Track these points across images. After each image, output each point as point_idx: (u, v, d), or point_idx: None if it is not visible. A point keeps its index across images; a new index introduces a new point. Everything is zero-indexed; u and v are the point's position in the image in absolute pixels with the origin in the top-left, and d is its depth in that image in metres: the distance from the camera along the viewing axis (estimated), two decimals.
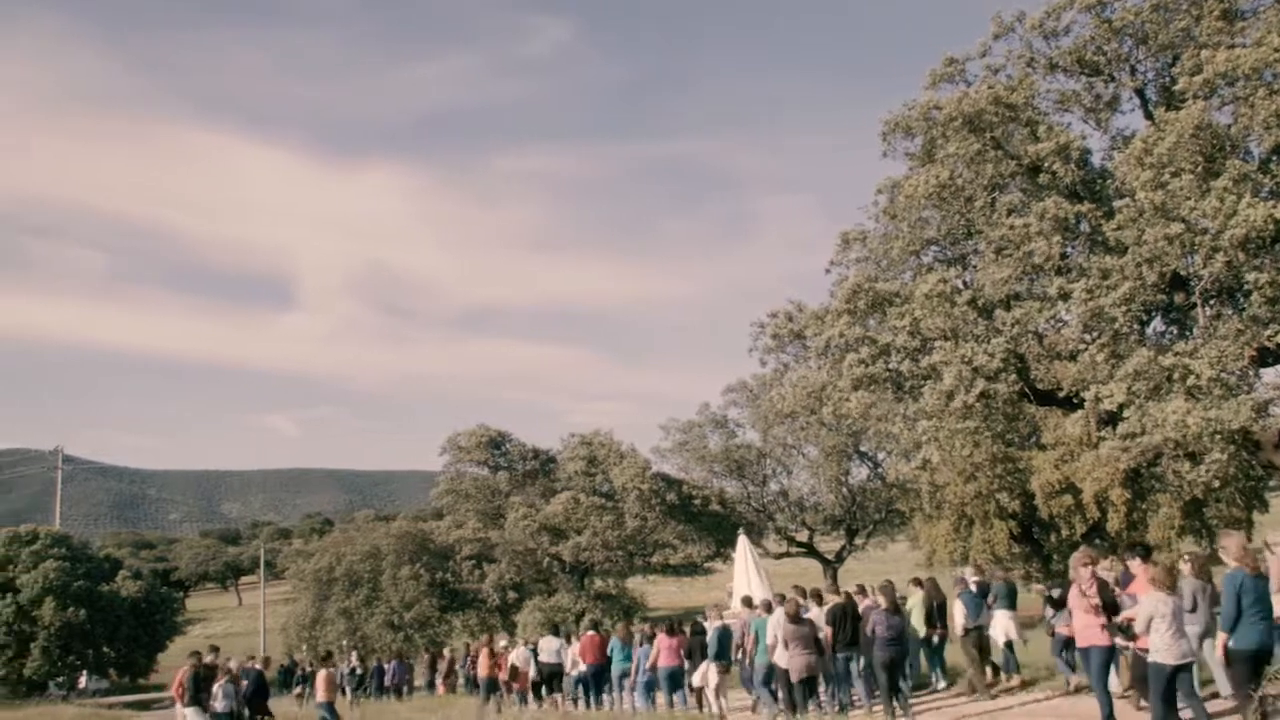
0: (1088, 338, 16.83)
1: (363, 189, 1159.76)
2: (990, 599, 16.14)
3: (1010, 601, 16.17)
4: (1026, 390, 18.34)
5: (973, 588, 16.41)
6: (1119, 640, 10.87)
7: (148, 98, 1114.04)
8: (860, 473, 49.12)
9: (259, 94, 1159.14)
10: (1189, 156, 15.61)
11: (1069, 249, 18.33)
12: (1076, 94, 19.87)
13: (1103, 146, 20.11)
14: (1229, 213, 14.80)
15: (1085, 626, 11.36)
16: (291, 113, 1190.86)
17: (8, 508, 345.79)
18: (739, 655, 17.18)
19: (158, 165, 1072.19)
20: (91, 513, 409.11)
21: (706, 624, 18.70)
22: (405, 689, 31.78)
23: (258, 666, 23.05)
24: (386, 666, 33.39)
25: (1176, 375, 15.28)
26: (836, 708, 15.51)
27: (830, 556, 50.21)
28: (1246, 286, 15.83)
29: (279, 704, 24.00)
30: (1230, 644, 9.67)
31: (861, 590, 17.04)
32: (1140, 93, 19.42)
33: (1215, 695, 11.91)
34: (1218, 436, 14.89)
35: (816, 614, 15.80)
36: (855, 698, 16.18)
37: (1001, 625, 15.84)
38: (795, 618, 14.53)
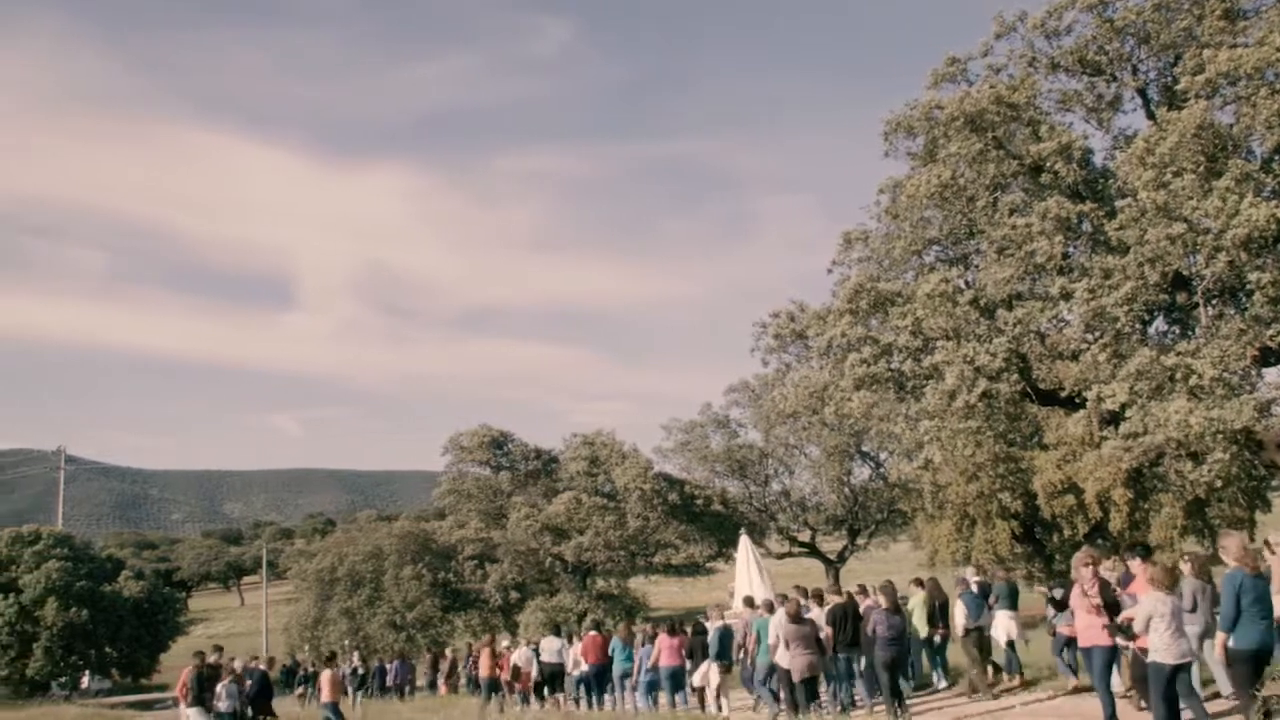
0: (1090, 337, 16.82)
1: (363, 189, 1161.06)
2: (992, 599, 16.13)
3: (1012, 602, 16.15)
4: (1028, 390, 18.33)
5: (974, 588, 16.40)
6: (1119, 640, 10.87)
7: (148, 98, 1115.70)
8: (862, 473, 49.14)
9: (260, 94, 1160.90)
10: (1191, 156, 15.60)
11: (1071, 249, 18.32)
12: (1078, 93, 19.86)
13: (1105, 146, 20.12)
14: (1231, 212, 14.79)
15: (1087, 627, 11.35)
16: (292, 113, 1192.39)
17: (10, 508, 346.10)
18: (740, 655, 17.18)
19: (159, 165, 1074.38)
20: (94, 513, 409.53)
21: (708, 624, 18.70)
22: (407, 689, 31.78)
23: (262, 667, 23.06)
24: (388, 667, 33.39)
25: (1179, 375, 15.27)
26: (838, 708, 15.51)
27: (832, 556, 50.19)
28: (1249, 286, 15.82)
29: (281, 704, 24.01)
30: (1230, 644, 9.66)
31: (862, 590, 17.04)
32: (1142, 92, 19.41)
33: (1216, 695, 11.91)
34: (1220, 436, 14.88)
35: (817, 614, 15.80)
36: (857, 697, 16.18)
37: (1003, 625, 15.83)
38: (796, 617, 14.53)
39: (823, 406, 19.85)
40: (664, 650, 17.99)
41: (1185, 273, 16.63)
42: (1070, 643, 13.98)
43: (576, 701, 21.38)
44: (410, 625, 48.35)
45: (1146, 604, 9.82)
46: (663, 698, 18.46)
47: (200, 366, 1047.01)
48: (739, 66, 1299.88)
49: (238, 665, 21.49)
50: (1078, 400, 17.49)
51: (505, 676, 23.78)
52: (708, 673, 17.56)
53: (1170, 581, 9.89)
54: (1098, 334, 16.59)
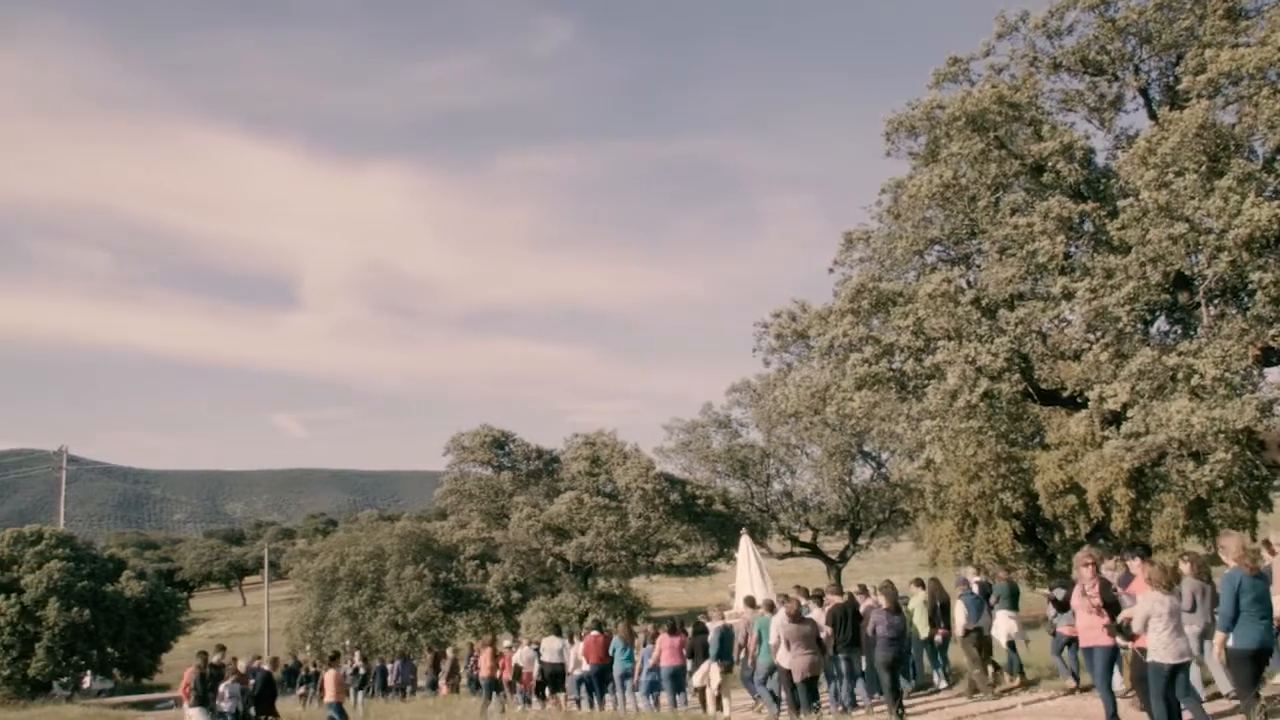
0: (1091, 337, 16.81)
1: (366, 189, 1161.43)
2: (992, 599, 16.12)
3: (1012, 602, 16.14)
4: (1030, 390, 18.33)
5: (974, 588, 16.39)
6: (1119, 640, 10.87)
7: (151, 97, 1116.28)
8: (864, 473, 49.14)
9: (262, 94, 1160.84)
10: (1193, 156, 15.59)
11: (1073, 248, 18.32)
12: (1080, 93, 19.87)
13: (1106, 146, 20.13)
14: (1233, 212, 14.78)
15: (1088, 627, 11.35)
16: (294, 112, 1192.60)
17: (12, 508, 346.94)
18: (741, 655, 17.18)
19: (161, 165, 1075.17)
20: (96, 513, 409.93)
21: (709, 624, 18.69)
22: (409, 689, 31.78)
23: (265, 667, 23.06)
24: (390, 667, 33.40)
25: (1180, 375, 15.27)
26: (840, 708, 15.51)
27: (834, 556, 50.17)
28: (1251, 286, 15.81)
29: (282, 704, 23.99)
30: (1229, 644, 9.66)
31: (863, 590, 17.03)
32: (1144, 92, 19.41)
33: (1217, 695, 11.91)
34: (1222, 436, 14.87)
35: (817, 615, 15.80)
36: (859, 697, 16.17)
37: (1003, 626, 15.81)
38: (797, 617, 14.53)
39: (824, 406, 19.84)
40: (665, 650, 17.99)
41: (1187, 272, 16.62)
42: (1071, 643, 13.98)
43: (578, 702, 21.38)
44: (412, 625, 48.38)
45: (1144, 604, 9.82)
46: (664, 698, 18.46)
47: (202, 366, 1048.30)
48: (740, 66, 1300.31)
49: (242, 665, 21.46)
50: (1079, 400, 17.49)
51: (506, 676, 23.78)
52: (708, 673, 17.56)
53: (1167, 581, 9.89)
54: (1099, 334, 16.58)
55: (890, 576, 19.04)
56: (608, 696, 20.53)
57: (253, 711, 20.37)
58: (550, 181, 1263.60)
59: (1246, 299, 16.69)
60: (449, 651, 33.10)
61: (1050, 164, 18.02)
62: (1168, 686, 9.65)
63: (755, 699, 17.05)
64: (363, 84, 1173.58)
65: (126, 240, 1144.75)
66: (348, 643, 45.96)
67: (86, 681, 59.53)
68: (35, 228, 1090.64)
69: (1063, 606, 13.89)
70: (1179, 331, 18.96)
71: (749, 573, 22.93)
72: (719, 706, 17.47)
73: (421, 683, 32.26)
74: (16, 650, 55.30)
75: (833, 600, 16.37)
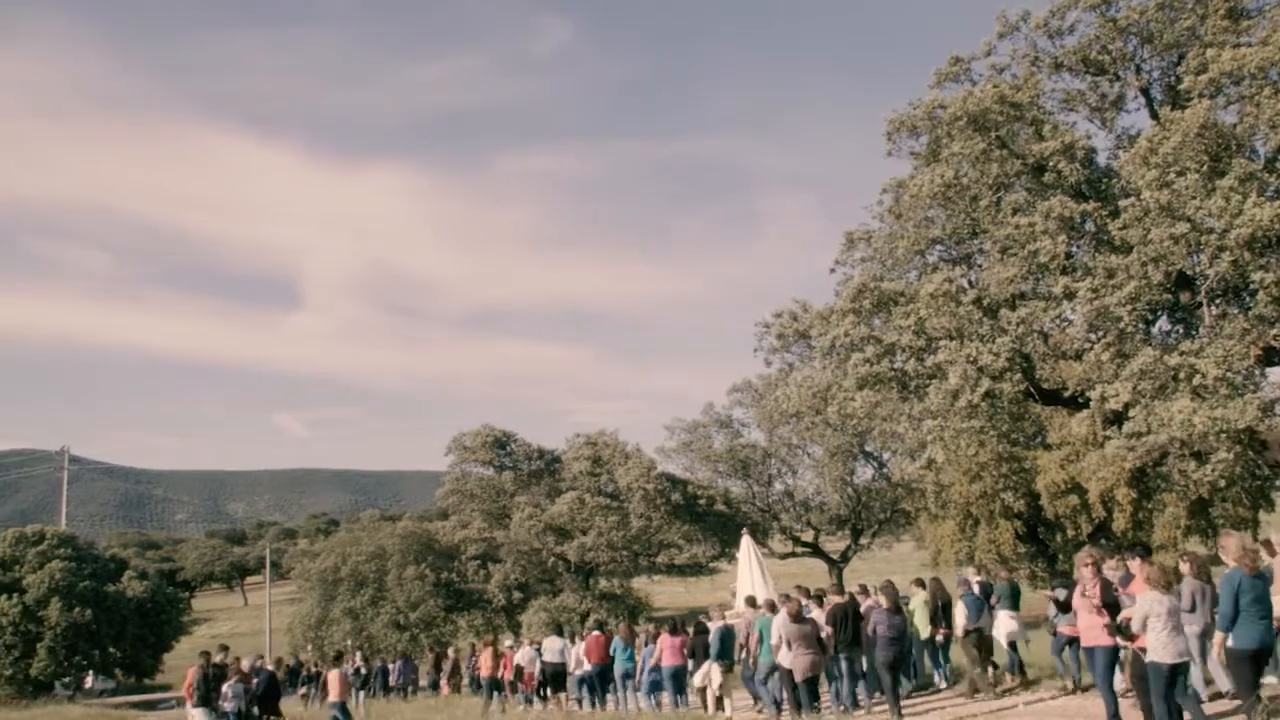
0: (1093, 337, 16.81)
1: (367, 189, 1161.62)
2: (993, 599, 16.12)
3: (1013, 602, 16.13)
4: (1032, 390, 18.33)
5: (975, 588, 16.39)
6: (1118, 640, 10.87)
7: (152, 97, 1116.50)
8: (865, 472, 49.15)
9: (263, 94, 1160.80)
10: (1194, 155, 15.59)
11: (1074, 248, 18.32)
12: (1081, 93, 19.86)
13: (1108, 145, 20.12)
14: (1235, 212, 14.78)
15: (1089, 627, 11.35)
16: (295, 113, 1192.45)
17: (14, 508, 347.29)
18: (742, 655, 17.18)
19: (163, 165, 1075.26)
20: (98, 513, 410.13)
21: (710, 624, 18.69)
22: (410, 689, 31.78)
23: (269, 667, 23.08)
24: (391, 666, 33.39)
25: (1182, 374, 15.26)
26: (842, 708, 15.50)
27: (835, 556, 50.17)
28: (1252, 286, 15.81)
29: (285, 704, 24.00)
30: (1229, 644, 9.67)
31: (864, 590, 17.03)
32: (1145, 92, 19.40)
33: (1218, 695, 11.91)
34: (1224, 436, 14.87)
35: (818, 615, 15.79)
36: (860, 697, 16.17)
37: (1004, 626, 15.81)
38: (798, 617, 14.53)
39: (826, 406, 19.85)
40: (666, 650, 17.99)
41: (1189, 272, 16.62)
42: (1072, 642, 13.98)
43: (579, 702, 21.38)
44: (413, 625, 48.39)
45: (1143, 604, 9.83)
46: (665, 698, 18.46)
47: (204, 366, 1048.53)
48: (741, 66, 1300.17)
49: (245, 665, 21.46)
50: (1081, 400, 17.49)
51: (508, 676, 23.78)
52: (709, 673, 17.56)
53: (1166, 581, 9.90)
54: (1101, 333, 16.58)
55: (892, 576, 19.03)
56: (609, 696, 20.53)
57: (256, 711, 20.39)
58: (551, 181, 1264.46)
59: (1248, 299, 16.70)
60: (450, 651, 33.07)
61: (1052, 164, 18.02)
62: (1168, 686, 9.65)
63: (755, 700, 17.05)
64: (364, 84, 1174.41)
65: (127, 240, 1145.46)
66: (349, 643, 45.97)
67: (88, 681, 59.61)
68: (35, 228, 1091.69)
69: (1064, 607, 13.88)
70: (1181, 331, 18.95)
71: (750, 573, 22.90)
72: (720, 707, 17.47)
73: (423, 683, 32.24)
74: (18, 650, 55.36)
75: (833, 600, 16.37)
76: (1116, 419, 16.54)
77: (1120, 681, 11.78)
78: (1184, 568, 11.65)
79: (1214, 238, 15.28)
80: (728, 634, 17.54)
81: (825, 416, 22.06)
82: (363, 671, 33.30)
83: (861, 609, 15.60)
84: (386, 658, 36.91)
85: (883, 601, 14.79)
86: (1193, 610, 11.04)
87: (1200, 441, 15.25)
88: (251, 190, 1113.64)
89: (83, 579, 58.22)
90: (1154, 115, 18.61)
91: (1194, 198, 15.23)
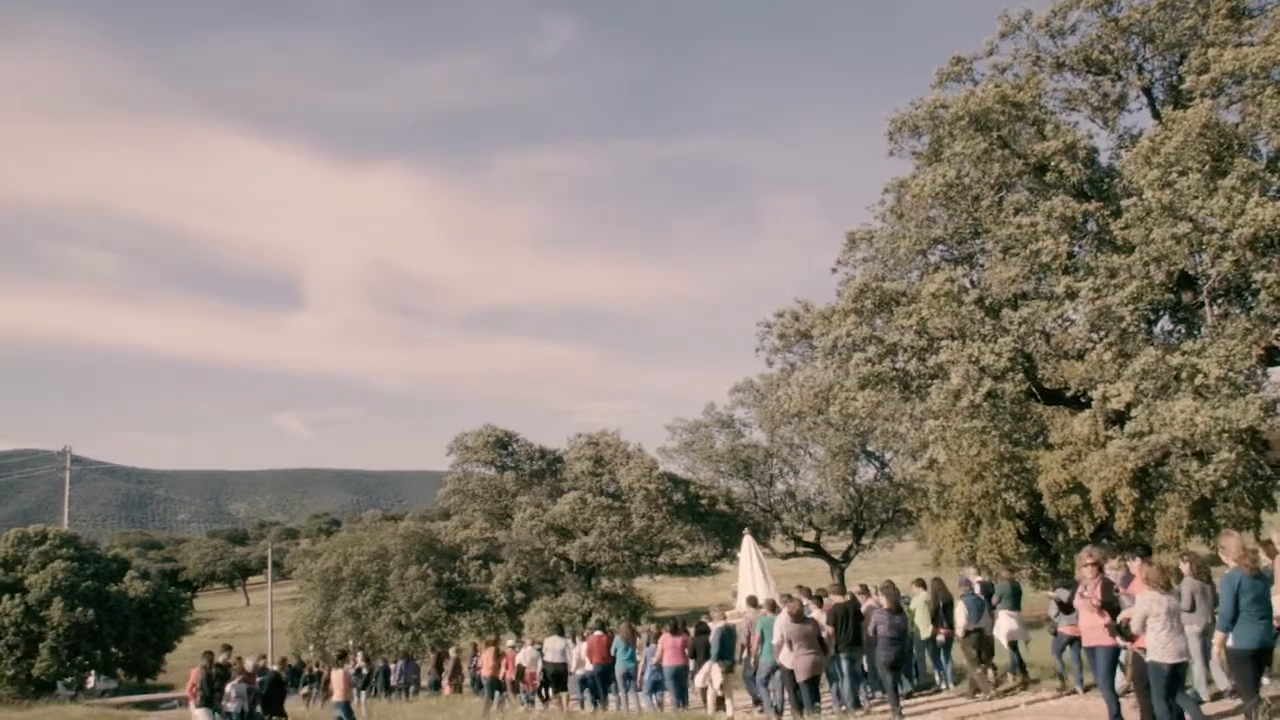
0: (1095, 337, 16.82)
1: (370, 189, 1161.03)
2: (994, 599, 16.12)
3: (1014, 602, 16.12)
4: (1034, 389, 18.34)
5: (976, 589, 16.39)
6: (1119, 640, 10.87)
7: (156, 98, 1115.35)
8: (867, 472, 49.10)
9: (266, 94, 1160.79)
10: (1196, 155, 15.59)
11: (1076, 248, 18.33)
12: (1083, 93, 19.87)
13: (1110, 145, 20.14)
14: (1237, 212, 14.79)
15: (1091, 627, 11.35)
16: (298, 113, 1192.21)
17: (16, 508, 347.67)
18: (744, 655, 17.18)
19: (163, 165, 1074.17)
20: (100, 513, 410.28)
21: (710, 624, 18.69)
22: (412, 689, 31.80)
23: (274, 667, 23.09)
24: (393, 666, 33.41)
25: (1184, 374, 15.27)
26: (843, 708, 15.51)
27: (837, 556, 50.15)
28: (1254, 285, 15.82)
29: (287, 704, 24.01)
30: (1229, 643, 9.68)
31: (864, 590, 17.03)
32: (1147, 91, 19.40)
33: (1219, 695, 11.92)
34: (1226, 435, 14.88)
35: (818, 615, 15.80)
36: (863, 697, 16.17)
37: (1005, 626, 15.80)
38: (799, 616, 14.54)
39: (827, 406, 19.86)
40: (667, 650, 17.98)
41: (1191, 272, 16.63)
42: (1073, 642, 13.97)
43: (581, 703, 21.39)
44: (415, 625, 48.42)
45: (1142, 604, 9.84)
46: (667, 697, 18.46)
47: (205, 366, 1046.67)
48: (743, 65, 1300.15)
49: (249, 664, 21.47)
50: (1083, 400, 17.49)
51: (509, 676, 23.79)
52: (709, 673, 17.56)
53: (1164, 581, 9.91)
54: (1103, 333, 16.59)
55: (893, 577, 19.03)
56: (610, 696, 20.53)
57: (260, 710, 20.41)
58: (553, 181, 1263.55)
59: (1250, 298, 16.70)
60: (452, 651, 33.10)
61: (1053, 163, 18.03)
62: (1168, 686, 9.65)
63: (756, 703, 17.07)
64: (367, 84, 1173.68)
65: (129, 240, 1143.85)
66: (351, 643, 46.01)
67: (90, 681, 59.69)
68: (37, 228, 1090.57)
69: (1066, 608, 13.88)
70: (1183, 331, 18.95)
71: (751, 573, 22.92)
72: (721, 707, 17.47)
73: (424, 683, 32.26)
74: (21, 650, 55.40)
75: (834, 600, 16.38)
76: (1118, 419, 16.54)
77: (1120, 680, 11.78)
78: (1184, 567, 11.66)
79: (1216, 237, 15.28)
80: (728, 634, 17.54)
81: (827, 416, 22.07)
82: (364, 672, 33.32)
83: (862, 609, 15.60)
84: (388, 658, 36.94)
85: (883, 602, 14.80)
86: (1193, 610, 11.05)
87: (1202, 441, 15.26)
88: (253, 190, 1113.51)
89: (85, 579, 58.27)
90: (1156, 115, 18.62)
91: (1196, 197, 15.24)
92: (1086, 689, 13.85)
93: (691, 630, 18.37)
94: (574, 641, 22.59)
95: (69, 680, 57.54)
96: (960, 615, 16.10)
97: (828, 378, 19.62)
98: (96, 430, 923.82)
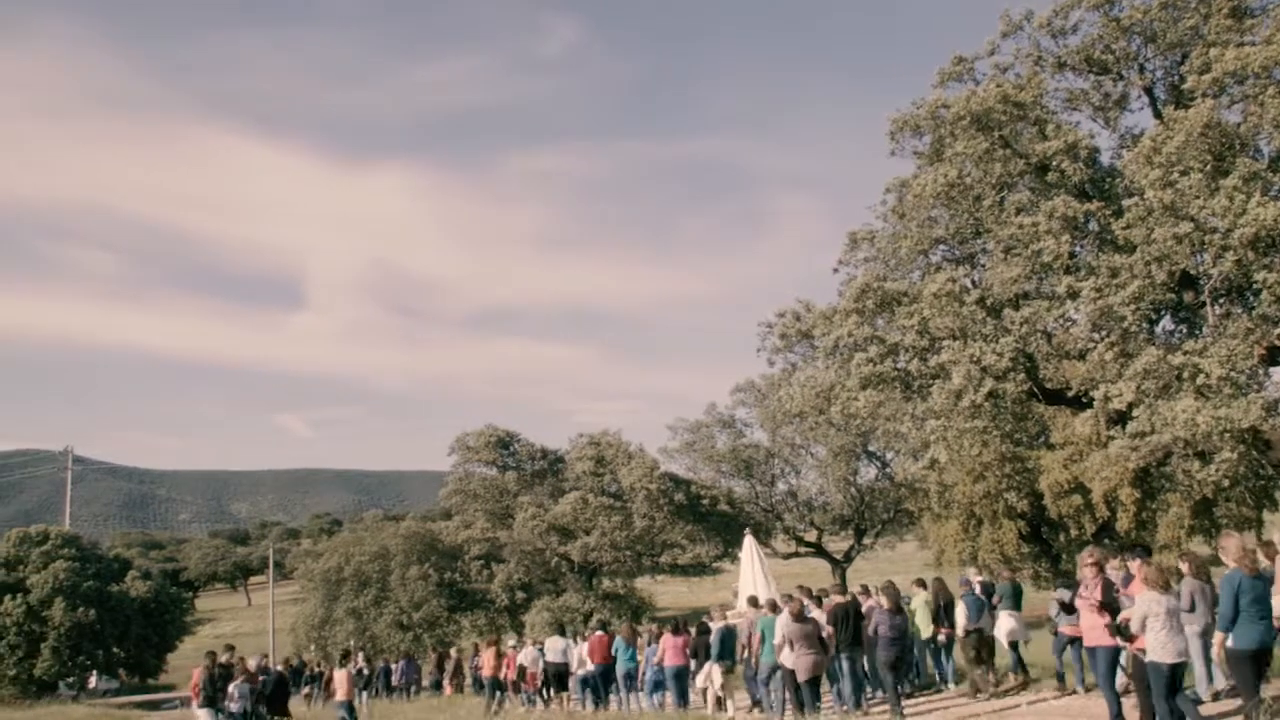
0: (1096, 336, 16.81)
1: (371, 189, 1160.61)
2: (995, 599, 16.12)
3: (1015, 602, 16.12)
4: (1035, 389, 18.33)
5: (976, 588, 16.39)
6: (1118, 640, 10.87)
7: (153, 98, 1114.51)
8: (868, 472, 49.07)
9: (266, 94, 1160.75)
10: (1198, 155, 15.58)
11: (1078, 248, 18.32)
12: (1085, 92, 19.86)
13: (1111, 145, 20.13)
14: (1238, 211, 14.78)
15: (1092, 626, 11.35)
16: (299, 113, 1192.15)
17: (18, 508, 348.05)
18: (744, 655, 17.19)
19: (164, 165, 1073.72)
20: (101, 513, 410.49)
21: (711, 624, 18.70)
22: (413, 689, 31.81)
23: (278, 667, 23.10)
24: (394, 666, 33.43)
25: (1186, 374, 15.26)
26: (844, 708, 15.51)
27: (839, 556, 50.15)
28: (1256, 285, 15.80)
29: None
30: (1229, 644, 9.68)
31: (865, 591, 17.03)
32: (1149, 91, 19.40)
33: (1219, 695, 11.92)
34: (1227, 435, 14.87)
35: (818, 615, 15.80)
36: (866, 697, 16.18)
37: (1005, 626, 15.80)
38: (800, 616, 14.54)
39: (829, 406, 19.86)
40: (668, 650, 17.99)
41: (1192, 272, 16.62)
42: (1073, 642, 13.97)
43: (582, 703, 21.39)
44: (417, 625, 48.44)
45: (1141, 604, 9.84)
46: (668, 698, 18.47)
47: (208, 366, 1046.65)
48: (742, 65, 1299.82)
49: (252, 664, 21.49)
50: (1085, 399, 17.48)
51: (510, 676, 23.80)
52: (710, 674, 17.57)
53: (1163, 581, 9.91)
54: (1105, 333, 16.58)
55: (894, 576, 19.02)
56: (611, 696, 20.54)
57: (264, 710, 20.42)
58: (554, 181, 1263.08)
59: (1252, 298, 16.69)
60: (453, 651, 33.12)
61: (1055, 163, 18.02)
62: (1168, 686, 9.65)
63: (755, 704, 17.07)
64: (367, 84, 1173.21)
65: (129, 240, 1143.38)
66: (352, 643, 46.03)
67: (92, 681, 59.73)
68: (37, 228, 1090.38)
69: (1068, 608, 13.87)
70: (1184, 331, 18.94)
71: (752, 573, 22.93)
72: (721, 707, 17.48)
73: (426, 682, 32.28)
74: (22, 650, 55.46)
75: (834, 600, 16.38)
76: (1120, 419, 16.53)
77: (1120, 680, 11.78)
78: (1183, 567, 11.66)
79: (1217, 237, 15.27)
80: (729, 635, 17.55)
81: (828, 416, 22.07)
82: (365, 672, 33.35)
83: (863, 609, 15.61)
84: (389, 658, 36.96)
85: (884, 602, 14.81)
86: (1192, 610, 11.05)
87: (1204, 441, 15.25)
88: (253, 190, 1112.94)
89: (86, 579, 58.33)
90: (1157, 115, 18.60)
91: (1197, 197, 15.23)
92: (1088, 689, 13.84)
93: (693, 630, 18.38)
94: (575, 641, 22.60)
95: (71, 680, 57.59)
96: (960, 615, 16.10)
97: (829, 378, 19.61)
98: (97, 430, 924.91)
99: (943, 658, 17.46)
